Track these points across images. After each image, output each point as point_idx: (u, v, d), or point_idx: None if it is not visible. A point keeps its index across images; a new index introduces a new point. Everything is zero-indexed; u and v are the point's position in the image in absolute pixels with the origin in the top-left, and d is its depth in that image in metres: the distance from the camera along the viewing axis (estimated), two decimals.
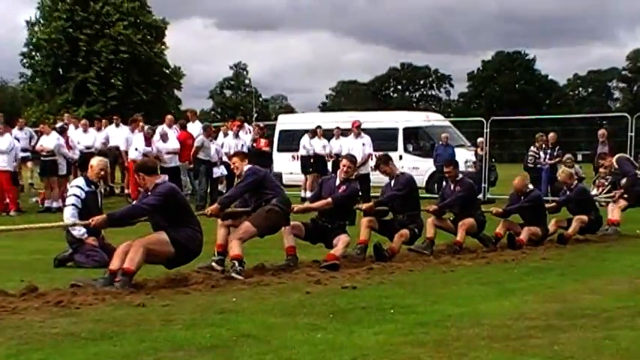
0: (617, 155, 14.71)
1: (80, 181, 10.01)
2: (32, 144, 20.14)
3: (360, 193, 17.68)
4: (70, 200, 9.77)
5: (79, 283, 7.70)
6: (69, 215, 9.66)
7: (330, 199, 9.71)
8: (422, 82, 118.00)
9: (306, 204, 10.03)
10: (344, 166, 10.04)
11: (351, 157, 10.45)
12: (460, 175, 11.72)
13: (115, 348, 5.36)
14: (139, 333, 5.78)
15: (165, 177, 9.30)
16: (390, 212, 10.59)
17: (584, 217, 12.53)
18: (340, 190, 9.82)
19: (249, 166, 9.26)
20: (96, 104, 54.80)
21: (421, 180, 22.48)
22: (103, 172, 10.09)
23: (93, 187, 9.85)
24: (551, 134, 21.13)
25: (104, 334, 5.72)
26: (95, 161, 10.11)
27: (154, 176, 8.24)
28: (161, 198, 7.98)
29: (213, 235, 9.05)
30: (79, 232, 9.62)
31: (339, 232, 9.56)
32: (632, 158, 14.59)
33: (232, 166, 9.74)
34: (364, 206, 10.43)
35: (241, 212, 9.09)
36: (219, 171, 18.94)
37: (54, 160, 17.96)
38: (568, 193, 13.01)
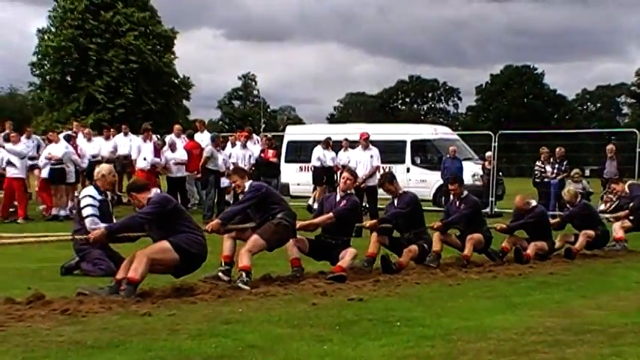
0: (629, 182, 14.85)
1: (91, 190, 9.91)
2: (40, 152, 20.18)
3: (367, 205, 17.81)
4: (87, 211, 9.55)
5: (86, 291, 7.71)
6: (93, 225, 9.40)
7: (331, 214, 9.70)
8: (430, 95, 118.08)
9: (309, 221, 10.02)
10: (344, 178, 10.10)
11: (351, 171, 10.51)
12: (465, 192, 11.73)
13: (121, 357, 5.37)
14: (145, 342, 5.78)
15: (158, 191, 9.29)
16: (394, 230, 10.61)
17: (591, 232, 12.52)
18: (341, 205, 9.81)
19: (251, 182, 9.35)
20: (103, 112, 54.95)
21: (428, 193, 22.50)
22: (115, 179, 10.10)
23: (103, 195, 9.87)
24: (558, 149, 21.11)
25: (110, 343, 5.72)
26: (106, 170, 10.12)
27: (146, 192, 8.35)
28: (156, 206, 8.08)
29: (219, 246, 9.06)
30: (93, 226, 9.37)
31: (345, 247, 9.56)
32: None
33: (234, 185, 9.75)
34: (368, 224, 10.45)
35: (243, 228, 9.12)
36: (227, 181, 18.95)
37: (62, 168, 18.02)
38: (572, 209, 13.04)
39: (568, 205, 13.29)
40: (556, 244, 12.23)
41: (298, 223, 9.55)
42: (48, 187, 18.10)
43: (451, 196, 12.04)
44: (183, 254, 7.96)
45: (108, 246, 9.72)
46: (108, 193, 10.34)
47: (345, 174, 10.20)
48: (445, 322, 6.82)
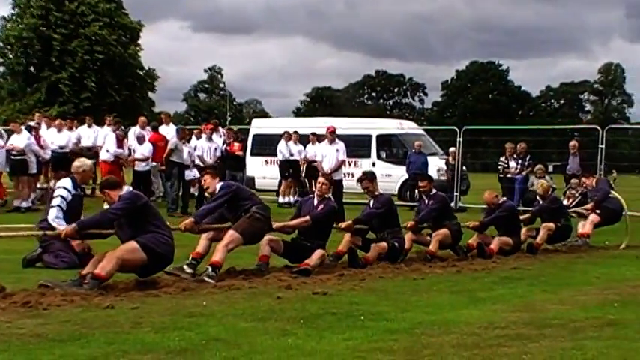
0: (598, 177, 15.13)
1: (67, 182, 9.81)
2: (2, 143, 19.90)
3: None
4: (55, 201, 9.54)
5: (48, 283, 7.64)
6: (53, 217, 9.48)
7: (308, 217, 9.77)
8: (396, 89, 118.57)
9: (285, 222, 10.05)
10: (319, 183, 10.26)
11: (328, 177, 10.65)
12: (434, 190, 11.85)
13: (83, 350, 5.32)
14: (108, 335, 5.73)
15: (129, 189, 9.25)
16: (369, 231, 10.67)
17: (551, 225, 12.67)
18: (319, 209, 9.87)
19: (222, 183, 9.40)
20: (68, 104, 54.35)
21: (394, 187, 22.56)
22: (92, 177, 10.08)
23: (79, 190, 9.77)
24: (520, 144, 21.26)
25: (72, 336, 5.67)
26: (88, 166, 10.02)
27: (118, 190, 8.38)
28: (127, 202, 8.08)
29: (192, 246, 9.00)
30: (56, 216, 9.42)
31: (317, 249, 9.60)
32: (611, 182, 14.94)
33: (203, 183, 9.76)
34: (343, 225, 10.49)
35: (218, 228, 9.11)
36: (192, 174, 18.84)
37: (24, 160, 17.79)
38: (542, 202, 13.16)
39: (539, 199, 13.40)
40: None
41: (274, 225, 9.60)
42: None
43: (422, 195, 12.09)
44: (151, 254, 7.92)
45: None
46: (84, 188, 10.27)
47: (321, 179, 10.37)
48: (409, 316, 6.85)
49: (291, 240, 9.86)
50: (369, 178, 10.93)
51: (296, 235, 9.91)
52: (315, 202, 10.03)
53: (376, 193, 10.84)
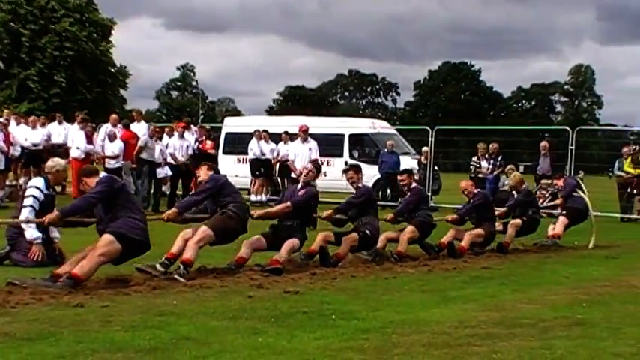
0: (566, 177, 15.39)
1: (40, 182, 9.60)
2: None
3: None
4: (27, 201, 9.32)
5: (16, 281, 7.55)
6: (28, 216, 9.26)
7: (289, 203, 9.76)
8: (369, 89, 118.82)
9: (266, 210, 10.01)
10: (306, 169, 10.32)
11: (316, 164, 10.78)
12: (414, 184, 11.90)
13: (51, 348, 5.26)
14: (77, 334, 5.68)
15: (104, 174, 9.13)
16: (347, 222, 10.69)
17: (518, 221, 12.76)
18: (300, 194, 9.88)
19: (210, 175, 9.37)
20: (37, 101, 53.85)
21: None
22: (65, 177, 10.03)
23: (51, 190, 9.64)
24: (492, 144, 21.41)
25: (40, 334, 5.62)
26: (62, 167, 9.88)
27: (95, 177, 8.34)
28: (105, 185, 8.11)
29: (168, 244, 8.89)
30: (31, 235, 9.28)
31: (298, 231, 9.61)
32: (580, 183, 15.10)
33: (197, 173, 9.80)
34: (324, 214, 10.49)
35: (200, 219, 9.09)
36: (164, 172, 18.79)
37: None
38: (516, 196, 13.26)
39: (513, 192, 13.49)
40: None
41: (255, 213, 9.61)
42: None
43: (391, 190, 12.18)
44: (125, 242, 7.88)
45: (47, 236, 9.50)
46: (56, 188, 10.15)
47: (309, 165, 10.47)
48: (380, 315, 6.86)
49: (270, 228, 9.81)
50: (354, 169, 10.97)
51: (277, 222, 9.86)
52: (299, 187, 10.07)
53: (359, 185, 10.84)
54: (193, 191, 15.55)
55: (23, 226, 9.28)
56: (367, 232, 10.41)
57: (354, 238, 10.29)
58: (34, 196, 9.35)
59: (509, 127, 41.46)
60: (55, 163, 9.94)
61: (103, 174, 8.63)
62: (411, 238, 11.21)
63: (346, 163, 23.37)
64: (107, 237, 7.84)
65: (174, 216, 8.90)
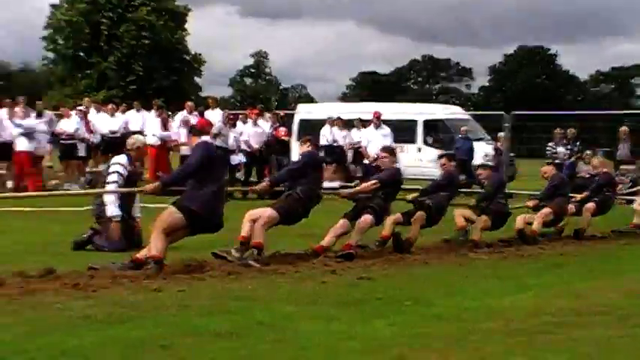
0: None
1: (122, 158, 9.82)
2: (52, 128, 20.16)
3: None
4: (112, 177, 9.58)
5: (97, 266, 7.75)
6: (111, 200, 9.50)
7: (376, 180, 9.88)
8: (443, 74, 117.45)
9: (354, 189, 10.32)
10: (380, 156, 10.56)
11: (389, 149, 10.97)
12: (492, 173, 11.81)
13: (131, 332, 5.39)
14: (155, 318, 5.81)
15: (207, 138, 9.06)
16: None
17: (592, 205, 12.51)
18: (383, 173, 10.06)
19: (307, 151, 9.61)
20: (115, 89, 54.93)
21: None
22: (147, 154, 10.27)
23: (133, 166, 9.89)
24: (570, 129, 20.95)
25: (120, 318, 5.76)
26: (141, 143, 10.18)
27: (197, 138, 8.54)
28: (201, 154, 8.21)
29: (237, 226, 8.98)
30: (112, 212, 9.46)
31: (369, 210, 9.60)
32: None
33: (300, 148, 10.19)
34: (410, 196, 10.58)
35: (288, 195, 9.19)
36: (238, 158, 18.93)
37: (73, 144, 18.03)
38: (597, 179, 13.03)
39: (593, 173, 13.33)
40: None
41: (343, 192, 10.05)
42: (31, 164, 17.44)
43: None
44: (187, 212, 7.96)
45: (127, 221, 9.68)
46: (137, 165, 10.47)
47: (383, 152, 10.61)
48: (454, 301, 6.82)
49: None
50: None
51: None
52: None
53: (450, 170, 10.94)
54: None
55: (105, 200, 9.48)
56: (431, 205, 10.39)
57: (422, 217, 10.26)
58: (118, 172, 9.59)
59: (586, 112, 40.41)
60: (135, 139, 10.27)
61: (203, 137, 8.60)
62: (484, 228, 11.08)
63: (419, 150, 23.31)
64: (169, 209, 8.00)
65: (266, 188, 9.37)
